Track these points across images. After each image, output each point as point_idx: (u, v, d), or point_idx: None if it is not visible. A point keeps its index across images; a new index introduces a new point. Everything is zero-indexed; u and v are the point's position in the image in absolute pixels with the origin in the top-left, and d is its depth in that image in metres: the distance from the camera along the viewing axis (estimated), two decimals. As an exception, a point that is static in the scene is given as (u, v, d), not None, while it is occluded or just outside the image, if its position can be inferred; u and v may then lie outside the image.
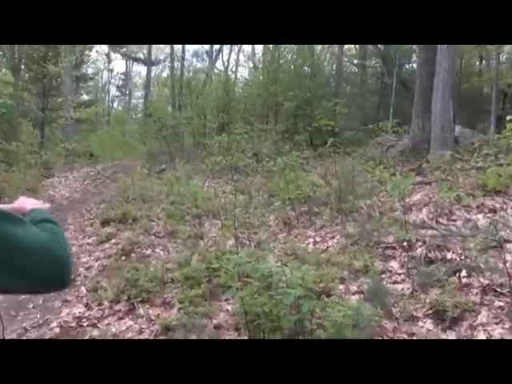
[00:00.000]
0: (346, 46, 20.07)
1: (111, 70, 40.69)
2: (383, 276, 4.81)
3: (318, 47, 18.20)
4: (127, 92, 42.02)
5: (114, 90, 43.40)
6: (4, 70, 17.44)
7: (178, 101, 21.74)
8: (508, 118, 3.73)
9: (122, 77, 42.42)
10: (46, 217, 1.49)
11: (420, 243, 5.33)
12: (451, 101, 10.08)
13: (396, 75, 15.14)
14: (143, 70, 37.61)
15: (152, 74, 33.90)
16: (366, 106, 17.40)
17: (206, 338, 3.89)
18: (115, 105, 44.87)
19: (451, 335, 3.69)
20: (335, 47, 18.64)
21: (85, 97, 30.45)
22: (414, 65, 15.33)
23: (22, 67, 20.10)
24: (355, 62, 21.03)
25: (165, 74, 36.57)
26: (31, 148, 15.23)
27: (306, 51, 16.02)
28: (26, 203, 1.66)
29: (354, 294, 4.48)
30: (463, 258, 4.78)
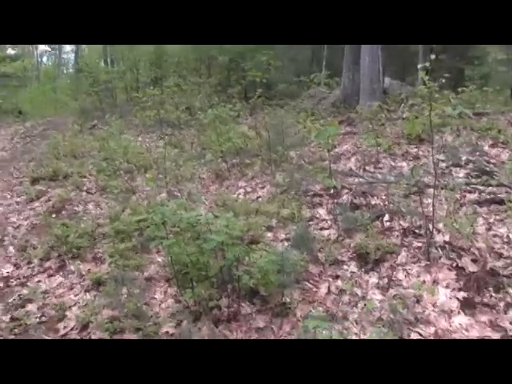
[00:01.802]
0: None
1: (38, 23, 38.48)
2: (311, 223, 4.98)
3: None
4: (57, 46, 39.90)
5: (42, 45, 41.19)
6: None
7: (109, 55, 20.95)
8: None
9: (50, 29, 40.26)
10: None
11: (346, 190, 5.52)
12: (379, 53, 10.25)
13: (328, 28, 15.15)
14: (72, 22, 35.71)
15: (81, 27, 32.26)
16: (300, 59, 17.34)
17: (137, 290, 3.93)
18: (45, 60, 42.71)
19: (373, 276, 3.91)
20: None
21: (10, 51, 28.72)
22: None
23: None
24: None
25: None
26: (-50, 106, 14.34)
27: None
28: None
29: (281, 241, 4.62)
30: (387, 203, 5.00)
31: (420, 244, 4.22)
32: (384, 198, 5.18)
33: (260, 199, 5.83)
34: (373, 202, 5.22)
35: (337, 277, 3.99)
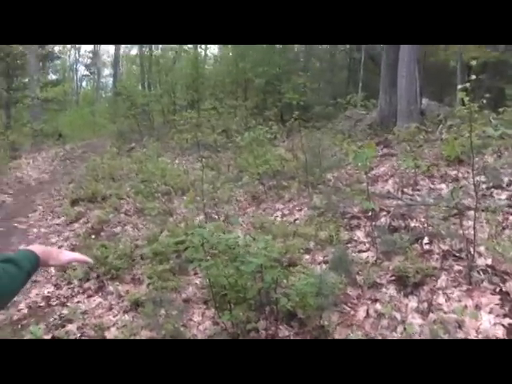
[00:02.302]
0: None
1: (79, 49, 39.81)
2: (348, 245, 4.92)
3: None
4: (95, 71, 41.17)
5: (82, 69, 42.57)
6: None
7: (147, 79, 21.47)
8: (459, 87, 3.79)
9: (90, 55, 41.49)
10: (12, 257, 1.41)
11: (384, 213, 5.45)
12: (417, 74, 10.18)
13: (364, 50, 15.15)
14: (111, 48, 36.67)
15: (120, 52, 33.18)
16: (336, 81, 17.40)
17: (175, 311, 3.95)
18: (84, 84, 44.09)
19: (413, 300, 3.82)
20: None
21: (52, 76, 29.82)
22: (383, 39, 15.39)
23: (-16, 46, 19.55)
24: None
25: (133, 52, 35.93)
26: (-4, 129, 14.88)
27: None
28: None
29: (319, 264, 4.57)
30: (426, 225, 4.90)
31: (461, 267, 4.10)
32: (423, 220, 5.08)
33: (297, 221, 5.81)
34: (411, 225, 5.12)
35: (375, 300, 3.92)
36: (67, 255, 1.58)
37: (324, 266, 4.45)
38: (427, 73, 12.38)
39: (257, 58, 15.08)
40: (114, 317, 4.18)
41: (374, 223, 5.10)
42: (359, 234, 5.16)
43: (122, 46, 34.90)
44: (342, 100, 12.43)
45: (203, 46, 29.85)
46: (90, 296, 4.67)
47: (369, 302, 3.90)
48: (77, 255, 1.62)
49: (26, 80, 20.17)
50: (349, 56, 18.57)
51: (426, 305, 3.72)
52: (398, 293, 3.97)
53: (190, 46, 22.25)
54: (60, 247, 6.12)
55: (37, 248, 1.50)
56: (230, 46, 19.21)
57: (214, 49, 29.38)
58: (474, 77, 3.72)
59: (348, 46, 18.54)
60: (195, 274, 4.73)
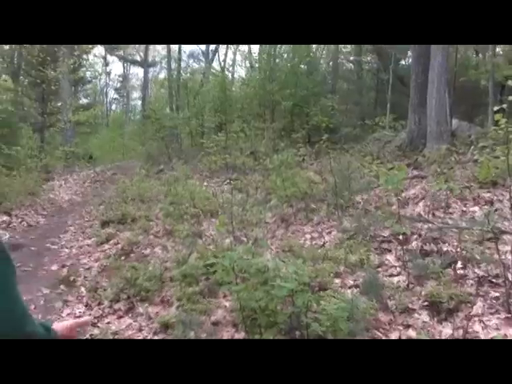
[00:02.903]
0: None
1: (109, 73, 40.86)
2: (379, 269, 4.85)
3: (314, 45, 18.20)
4: (125, 94, 42.14)
5: (112, 93, 43.64)
6: (4, 76, 17.59)
7: (175, 102, 21.82)
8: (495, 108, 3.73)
9: (120, 79, 42.62)
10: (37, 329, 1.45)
11: (416, 236, 5.36)
12: (447, 94, 10.09)
13: (392, 71, 15.13)
14: (140, 71, 37.74)
15: (149, 76, 34.00)
16: (363, 103, 17.39)
17: (204, 334, 3.94)
18: (114, 107, 45.14)
19: (447, 327, 3.72)
20: (331, 45, 18.62)
21: (83, 100, 30.66)
22: (411, 59, 15.31)
23: (22, 73, 20.26)
24: (351, 58, 21.05)
25: (162, 76, 36.70)
26: (31, 152, 15.32)
27: (302, 49, 16.04)
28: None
29: (349, 288, 4.51)
30: (459, 249, 4.80)
31: (498, 294, 3.99)
32: (456, 244, 4.98)
33: (327, 244, 5.76)
34: (444, 249, 5.02)
35: (408, 326, 3.83)
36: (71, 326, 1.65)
37: (355, 291, 4.39)
38: (457, 92, 12.25)
39: (284, 80, 15.19)
40: (143, 338, 4.19)
41: (405, 247, 5.02)
42: (390, 258, 5.09)
43: (150, 70, 35.75)
44: (370, 121, 12.41)
45: (231, 68, 30.34)
46: (120, 317, 4.69)
47: (401, 328, 3.81)
48: (77, 320, 1.71)
49: (59, 104, 20.78)
50: (376, 77, 18.58)
51: (461, 332, 3.62)
52: (431, 319, 3.87)
53: (217, 68, 22.57)
54: (90, 268, 6.21)
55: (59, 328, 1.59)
56: (257, 68, 19.46)
57: (241, 71, 29.79)
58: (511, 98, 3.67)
59: (375, 66, 18.57)
60: (224, 296, 4.71)
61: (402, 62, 18.54)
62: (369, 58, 19.35)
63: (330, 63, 20.46)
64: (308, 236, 6.30)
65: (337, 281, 4.67)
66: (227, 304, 4.52)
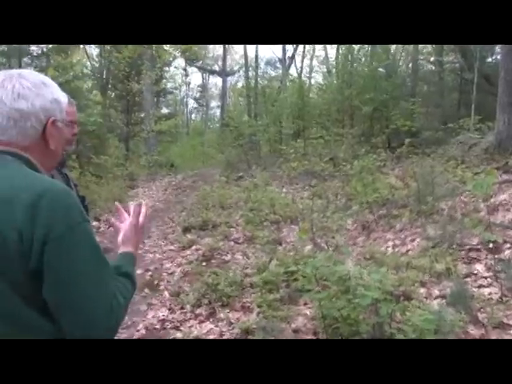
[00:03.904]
0: (421, 44, 19.57)
1: (189, 84, 42.05)
2: (467, 279, 4.62)
3: (393, 47, 17.80)
4: (204, 103, 43.19)
5: (192, 102, 44.86)
6: (94, 91, 18.70)
7: (253, 109, 22.06)
8: None
9: (199, 89, 43.69)
10: (129, 271, 1.52)
11: (508, 245, 5.07)
12: (539, 93, 9.49)
13: (477, 69, 14.44)
14: (219, 81, 38.48)
15: (227, 85, 34.58)
16: (446, 104, 16.68)
17: (286, 341, 3.93)
18: (193, 116, 46.40)
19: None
20: (410, 46, 18.11)
21: (165, 110, 31.63)
22: (499, 56, 14.51)
23: (109, 87, 21.45)
24: (432, 59, 20.36)
25: (240, 84, 37.29)
26: (117, 161, 16.09)
27: (380, 52, 15.74)
28: (123, 237, 1.68)
29: (435, 298, 4.34)
30: (557, 260, 4.50)
31: None
32: (554, 253, 4.68)
33: (410, 252, 5.59)
34: (541, 259, 4.72)
35: (504, 343, 3.61)
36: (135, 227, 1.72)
37: (441, 301, 4.22)
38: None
39: (362, 85, 14.97)
40: (224, 344, 4.25)
41: (496, 256, 4.77)
42: (479, 268, 4.83)
43: (229, 79, 36.41)
44: (453, 124, 11.90)
45: (307, 74, 30.30)
46: (201, 322, 4.75)
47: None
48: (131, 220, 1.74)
49: (143, 115, 21.73)
50: (459, 77, 17.82)
51: None
52: (529, 336, 3.63)
53: (294, 75, 22.59)
54: (173, 273, 6.38)
55: (130, 246, 1.65)
56: (334, 73, 19.30)
57: (318, 77, 29.66)
58: None
59: (458, 66, 17.83)
60: (305, 304, 4.68)
61: (489, 60, 17.64)
62: (451, 58, 18.59)
63: (410, 65, 19.95)
64: (390, 243, 6.14)
65: (422, 290, 4.51)
66: (308, 312, 4.49)
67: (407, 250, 5.70)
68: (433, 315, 3.38)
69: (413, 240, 6.01)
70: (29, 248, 1.19)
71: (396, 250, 5.84)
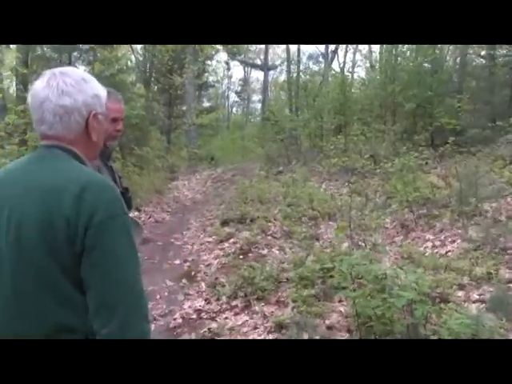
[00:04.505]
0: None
1: (230, 77, 42.29)
2: (510, 285, 4.50)
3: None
4: (246, 97, 43.31)
5: (233, 96, 45.09)
6: (138, 84, 19.08)
7: (294, 104, 21.96)
8: None
9: (241, 83, 43.86)
10: None
11: (557, 251, 4.93)
12: None
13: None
14: (260, 75, 38.42)
15: (269, 79, 34.56)
16: (495, 101, 16.09)
17: (318, 337, 3.94)
18: (234, 110, 46.58)
19: None
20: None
21: (206, 103, 31.94)
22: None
23: (152, 80, 21.81)
24: (482, 53, 19.73)
25: (281, 78, 37.24)
26: (159, 153, 16.34)
27: (425, 47, 15.39)
28: None
29: (474, 303, 4.26)
30: None
31: None
32: None
33: (449, 254, 5.49)
34: None
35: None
36: None
37: (480, 306, 4.13)
38: None
39: (406, 80, 14.68)
40: (258, 336, 4.27)
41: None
42: (523, 273, 4.71)
43: (270, 73, 36.40)
44: (503, 122, 11.54)
45: (350, 69, 29.97)
46: (236, 313, 4.82)
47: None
48: None
49: (184, 108, 22.00)
50: (514, 71, 17.16)
51: None
52: None
53: (337, 70, 22.37)
54: (210, 264, 6.47)
55: None
56: (377, 68, 19.01)
57: (361, 72, 29.30)
58: None
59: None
60: (340, 301, 4.67)
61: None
62: (505, 51, 17.88)
63: (458, 59, 19.40)
64: (429, 244, 6.05)
65: (460, 294, 4.43)
66: (342, 309, 4.48)
67: (446, 252, 5.61)
68: (470, 319, 3.32)
69: (453, 241, 5.91)
70: (74, 233, 1.31)
71: (435, 250, 5.75)
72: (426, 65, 15.35)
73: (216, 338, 4.23)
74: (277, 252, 6.52)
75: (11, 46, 14.94)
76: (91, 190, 1.35)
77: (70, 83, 1.46)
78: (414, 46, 15.43)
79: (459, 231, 6.15)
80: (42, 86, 1.45)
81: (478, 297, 4.37)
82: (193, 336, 4.30)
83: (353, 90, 18.09)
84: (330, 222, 7.47)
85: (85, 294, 1.35)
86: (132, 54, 21.40)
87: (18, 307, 1.38)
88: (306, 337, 3.92)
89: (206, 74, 28.03)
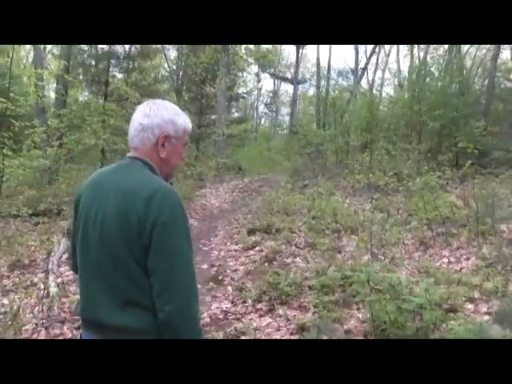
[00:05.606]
0: (500, 61, 19.04)
1: (260, 89, 42.60)
2: (518, 299, 4.78)
3: (468, 63, 17.43)
4: (274, 109, 43.58)
5: (262, 108, 45.35)
6: (171, 92, 19.56)
7: (322, 119, 22.17)
8: None
9: (270, 95, 44.11)
10: None
11: None
12: None
13: None
14: (290, 88, 38.77)
15: (298, 92, 34.86)
16: (524, 124, 16.13)
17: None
18: (263, 121, 46.73)
19: None
20: (487, 63, 17.66)
21: (235, 114, 32.29)
22: None
23: (184, 89, 22.35)
24: (511, 76, 19.75)
25: (311, 93, 37.46)
26: (188, 161, 16.70)
27: (454, 68, 15.54)
28: None
29: (482, 315, 4.54)
30: None
31: None
32: None
33: (463, 270, 5.77)
34: None
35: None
36: None
37: (487, 317, 4.42)
38: None
39: (433, 101, 14.83)
40: (281, 336, 4.60)
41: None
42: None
43: (300, 87, 36.66)
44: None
45: (378, 88, 30.04)
46: (261, 316, 5.15)
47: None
48: None
49: (214, 118, 22.39)
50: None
51: None
52: None
53: (365, 87, 22.50)
54: (236, 270, 6.81)
55: None
56: (405, 87, 19.07)
57: (389, 90, 29.36)
58: None
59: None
60: (358, 308, 4.98)
61: None
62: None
63: (485, 82, 19.41)
64: (445, 260, 6.32)
65: (469, 306, 4.72)
66: (360, 315, 4.80)
67: (461, 268, 5.88)
68: (476, 328, 3.63)
69: (468, 258, 6.18)
70: (143, 229, 1.66)
71: (450, 266, 6.03)
72: (453, 85, 15.50)
73: (242, 336, 4.58)
74: (300, 261, 6.83)
75: (56, 53, 15.32)
76: (158, 195, 1.67)
77: (152, 109, 1.87)
78: (443, 67, 15.58)
79: (474, 249, 6.43)
80: (137, 111, 1.89)
81: (486, 309, 4.66)
82: (220, 334, 4.64)
83: (380, 108, 18.28)
84: (352, 236, 7.74)
85: (149, 277, 1.67)
86: (166, 62, 21.96)
87: (99, 285, 1.74)
88: (325, 338, 4.27)
89: (237, 86, 28.45)
